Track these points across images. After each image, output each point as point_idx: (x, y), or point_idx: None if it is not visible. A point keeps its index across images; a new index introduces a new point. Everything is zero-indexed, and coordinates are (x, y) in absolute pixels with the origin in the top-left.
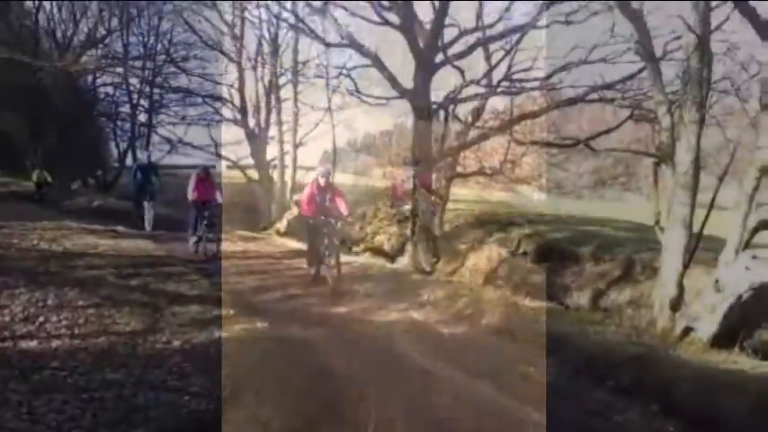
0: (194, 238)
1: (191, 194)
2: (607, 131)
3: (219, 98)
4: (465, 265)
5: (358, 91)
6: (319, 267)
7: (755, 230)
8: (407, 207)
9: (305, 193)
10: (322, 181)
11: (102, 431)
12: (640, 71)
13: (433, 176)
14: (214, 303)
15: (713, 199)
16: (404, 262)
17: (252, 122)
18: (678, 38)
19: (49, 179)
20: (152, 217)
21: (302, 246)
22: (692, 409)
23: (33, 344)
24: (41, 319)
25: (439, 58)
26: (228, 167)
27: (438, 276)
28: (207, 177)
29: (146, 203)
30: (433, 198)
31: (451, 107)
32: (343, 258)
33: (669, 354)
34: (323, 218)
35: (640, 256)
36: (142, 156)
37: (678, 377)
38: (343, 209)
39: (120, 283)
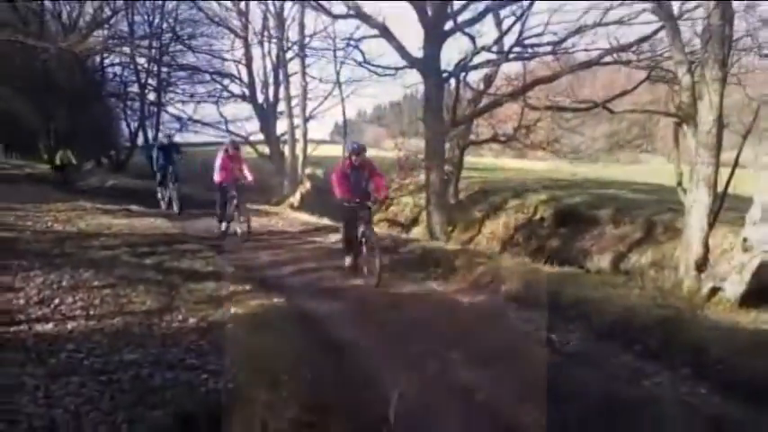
0: (224, 225)
1: (218, 175)
2: (623, 93)
3: (227, 75)
4: (481, 233)
5: (366, 62)
6: (357, 258)
7: None
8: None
9: (335, 173)
10: (355, 159)
11: (120, 413)
12: (656, 32)
13: (447, 145)
14: (229, 280)
15: (737, 158)
16: (419, 231)
17: (261, 98)
18: None
19: (74, 160)
20: (178, 198)
21: (316, 220)
22: (724, 373)
23: (49, 326)
24: (56, 301)
25: (448, 25)
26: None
27: (454, 244)
28: (235, 153)
29: (170, 185)
30: (446, 167)
31: (462, 75)
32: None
33: (697, 315)
34: (357, 201)
35: (661, 218)
36: (163, 134)
37: (708, 339)
38: (382, 189)
39: (134, 262)
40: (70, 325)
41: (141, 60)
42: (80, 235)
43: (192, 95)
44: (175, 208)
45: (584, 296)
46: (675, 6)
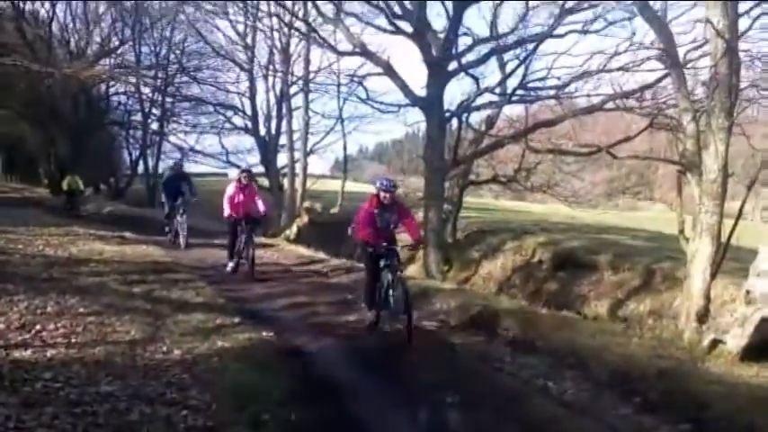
0: (233, 262)
1: (229, 208)
2: (626, 140)
3: (231, 107)
4: (478, 273)
5: (369, 99)
6: (379, 313)
7: None
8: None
9: (360, 212)
10: (385, 196)
11: None
12: (660, 80)
13: (446, 184)
14: (218, 311)
15: (741, 208)
16: (414, 270)
17: (263, 130)
18: (700, 46)
19: (81, 186)
20: (186, 232)
21: (312, 253)
22: (726, 429)
23: (27, 353)
24: (38, 327)
25: (452, 66)
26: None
27: (448, 284)
28: (249, 184)
29: (178, 218)
30: (445, 206)
31: (465, 115)
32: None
33: (698, 368)
34: (385, 245)
35: (660, 266)
36: (174, 163)
37: (709, 394)
38: (415, 232)
39: (123, 290)
40: (50, 352)
41: (146, 90)
42: (70, 260)
43: (194, 126)
44: (182, 242)
45: (583, 343)
46: (681, 54)
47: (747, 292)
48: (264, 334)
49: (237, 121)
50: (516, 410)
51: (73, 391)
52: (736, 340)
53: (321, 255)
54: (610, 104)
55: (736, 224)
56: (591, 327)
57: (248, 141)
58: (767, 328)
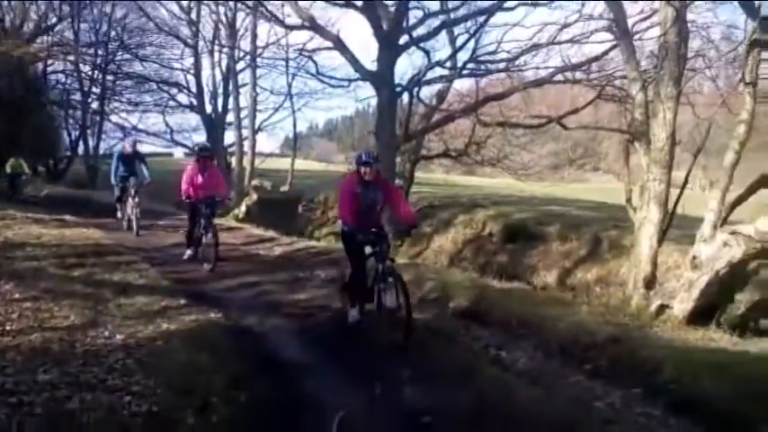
0: (191, 250)
1: (187, 191)
2: (575, 111)
3: (175, 84)
4: (430, 247)
5: (320, 74)
6: (362, 308)
7: (733, 206)
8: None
9: (341, 193)
10: (365, 171)
11: None
12: (607, 52)
13: (398, 160)
14: (163, 293)
15: (687, 176)
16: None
17: (209, 108)
18: (648, 17)
19: (27, 169)
20: (139, 217)
21: (262, 232)
22: (677, 393)
23: None
24: None
25: (403, 40)
26: (186, 154)
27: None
28: (208, 163)
29: (130, 201)
30: (397, 181)
31: (416, 90)
32: (303, 243)
33: (646, 333)
34: (374, 231)
35: (607, 234)
36: (126, 142)
37: (659, 359)
38: (406, 213)
39: (61, 274)
40: None
41: (86, 68)
42: (6, 245)
43: (137, 104)
44: (134, 228)
45: (534, 313)
46: (629, 24)
47: (694, 257)
48: (212, 315)
49: (182, 98)
50: (471, 382)
51: (8, 380)
52: (682, 305)
53: (271, 233)
54: (559, 77)
55: (681, 192)
56: (541, 297)
57: (194, 119)
58: (712, 293)
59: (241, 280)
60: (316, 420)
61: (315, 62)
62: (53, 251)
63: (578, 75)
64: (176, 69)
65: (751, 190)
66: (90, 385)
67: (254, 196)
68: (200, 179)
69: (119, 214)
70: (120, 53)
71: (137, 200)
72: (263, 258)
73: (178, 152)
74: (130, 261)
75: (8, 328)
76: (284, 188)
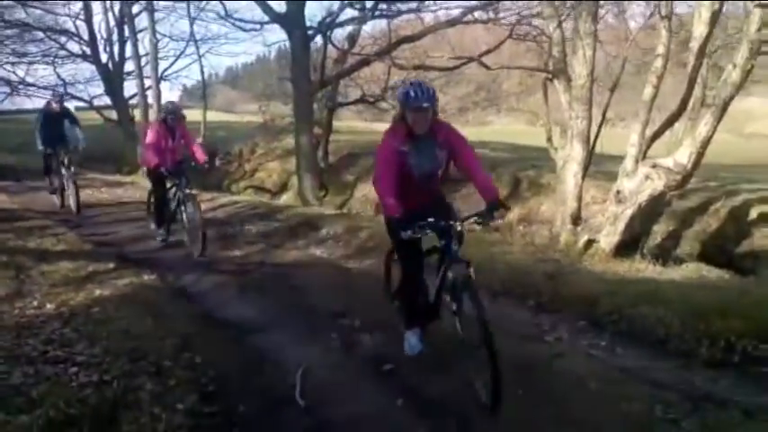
0: (162, 231)
1: (153, 157)
2: (488, 52)
3: (64, 32)
4: (354, 196)
5: (229, 16)
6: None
7: (652, 140)
8: None
9: (380, 161)
10: (416, 118)
11: None
12: None
13: (315, 106)
14: (88, 258)
15: (604, 112)
16: (289, 197)
17: (104, 57)
18: None
19: None
20: (76, 190)
21: None
22: (619, 323)
23: None
24: None
25: None
26: (79, 109)
27: (329, 210)
28: (178, 122)
29: (63, 171)
30: (315, 129)
31: (328, 33)
32: (226, 198)
33: (579, 267)
34: (431, 221)
35: (525, 174)
36: (52, 99)
37: (596, 291)
38: (489, 185)
39: None
40: None
41: None
42: None
43: (23, 55)
44: (72, 204)
45: (471, 254)
46: None
47: (618, 191)
48: (146, 277)
49: (73, 47)
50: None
51: None
52: (608, 238)
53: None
54: (469, 17)
55: (600, 129)
56: (474, 239)
57: (88, 70)
58: (635, 225)
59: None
60: (279, 374)
61: (223, 4)
62: None
63: (490, 15)
64: (63, 15)
65: (667, 124)
66: (29, 358)
67: None
68: (169, 143)
69: (48, 183)
70: None
71: (72, 170)
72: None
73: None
74: (43, 226)
75: None
76: (198, 141)
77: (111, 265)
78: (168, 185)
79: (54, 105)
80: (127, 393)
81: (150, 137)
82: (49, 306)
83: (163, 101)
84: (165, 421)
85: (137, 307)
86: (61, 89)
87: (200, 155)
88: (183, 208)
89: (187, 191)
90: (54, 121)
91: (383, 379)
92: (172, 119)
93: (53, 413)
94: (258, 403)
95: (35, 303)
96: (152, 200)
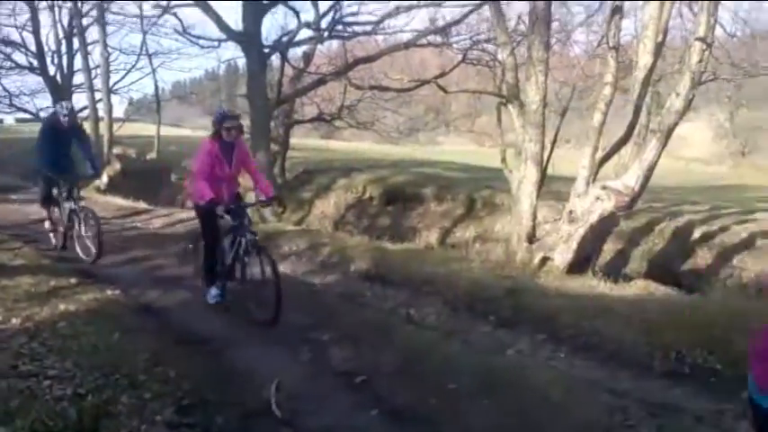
0: (216, 293)
1: (203, 189)
2: (442, 75)
3: (10, 42)
4: (312, 213)
5: (187, 33)
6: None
7: (601, 163)
8: None
9: (200, 162)
10: (228, 135)
11: None
12: (467, 15)
13: (272, 124)
14: (48, 273)
15: (555, 135)
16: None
17: (52, 69)
18: None
19: None
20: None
21: (132, 203)
22: (576, 336)
23: None
24: None
25: None
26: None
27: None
28: (237, 136)
29: (67, 205)
30: (272, 146)
31: (285, 51)
32: (184, 214)
33: (535, 284)
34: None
35: (479, 194)
36: (59, 108)
37: (554, 306)
38: (265, 186)
39: None
40: None
41: None
42: None
43: None
44: (92, 247)
45: (432, 271)
46: None
47: (570, 211)
48: (110, 293)
49: (19, 58)
50: (390, 339)
51: None
52: (562, 256)
53: (143, 205)
54: (423, 41)
55: (551, 152)
56: (435, 256)
57: (33, 82)
58: (587, 244)
59: (127, 255)
60: (252, 388)
61: (180, 20)
62: None
63: (441, 39)
64: (8, 26)
65: (615, 148)
66: (0, 372)
67: (117, 165)
68: (225, 168)
69: (47, 225)
70: None
71: (82, 203)
72: (144, 231)
73: (8, 119)
74: None
75: None
76: (152, 155)
77: (73, 281)
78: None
79: (63, 118)
80: (101, 406)
81: (201, 160)
82: (13, 320)
83: (115, 114)
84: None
85: (103, 322)
86: (6, 101)
87: (267, 186)
88: (246, 260)
89: (251, 236)
90: (62, 138)
91: (356, 390)
92: (230, 131)
93: (36, 425)
94: (235, 414)
95: None
96: (199, 247)
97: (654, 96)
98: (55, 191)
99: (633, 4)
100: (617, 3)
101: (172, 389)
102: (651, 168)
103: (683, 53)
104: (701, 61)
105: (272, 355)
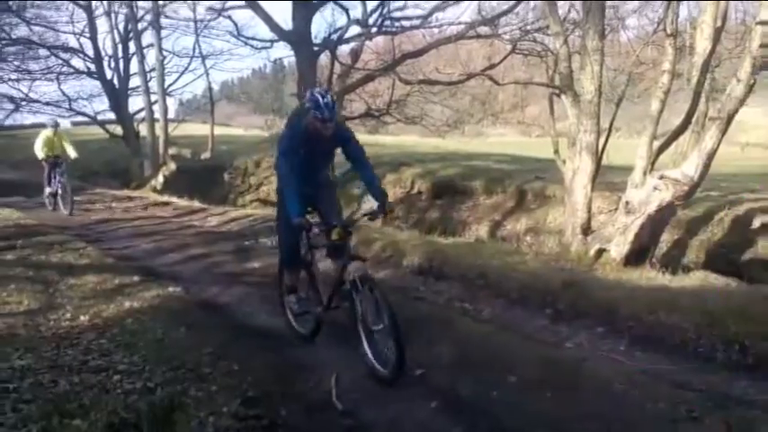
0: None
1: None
2: (491, 66)
3: (69, 48)
4: (362, 208)
5: (240, 35)
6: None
7: (658, 152)
8: None
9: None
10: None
11: (32, 426)
12: (515, 5)
13: None
14: (112, 271)
15: (611, 125)
16: None
17: (109, 73)
18: None
19: None
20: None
21: (187, 203)
22: (636, 328)
23: None
24: None
25: None
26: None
27: None
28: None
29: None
30: None
31: (335, 49)
32: (237, 212)
33: (592, 276)
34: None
35: (530, 186)
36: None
37: (613, 298)
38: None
39: None
40: None
41: None
42: None
43: (29, 72)
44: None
45: (487, 265)
46: None
47: (627, 202)
48: (171, 290)
49: (78, 63)
50: (448, 333)
51: None
52: (619, 248)
53: (197, 204)
54: (472, 33)
55: (606, 141)
56: (488, 249)
57: (91, 86)
58: (644, 235)
59: (186, 253)
60: (312, 381)
61: (234, 22)
62: None
63: (488, 30)
64: (67, 33)
65: (673, 136)
66: (72, 368)
67: (172, 166)
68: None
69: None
70: (3, 16)
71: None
72: (201, 230)
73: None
74: (62, 241)
75: None
76: (206, 155)
77: (136, 279)
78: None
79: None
80: (172, 398)
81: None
82: (82, 318)
83: (170, 115)
84: (214, 424)
85: (168, 318)
86: (65, 105)
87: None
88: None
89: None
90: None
91: (415, 382)
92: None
93: (111, 418)
94: (298, 406)
95: (68, 315)
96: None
97: (711, 82)
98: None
99: None
100: None
101: (236, 382)
102: (711, 157)
103: (744, 36)
104: (761, 46)
105: (331, 349)
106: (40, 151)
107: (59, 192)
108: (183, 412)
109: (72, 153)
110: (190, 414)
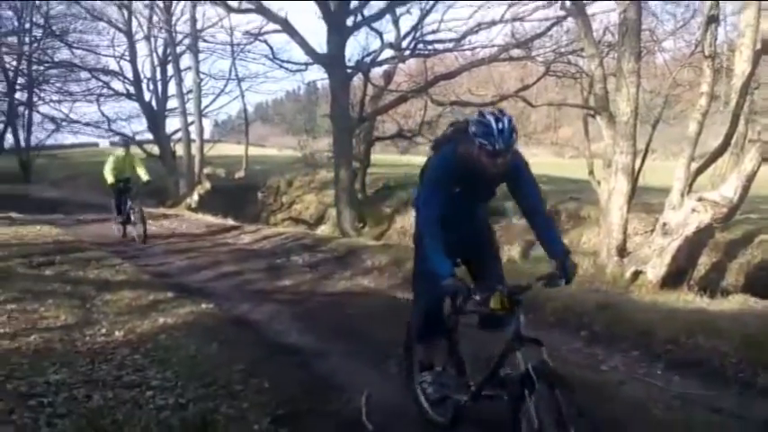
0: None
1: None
2: (525, 88)
3: (109, 71)
4: (392, 228)
5: (276, 58)
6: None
7: (696, 174)
8: None
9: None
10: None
11: None
12: (550, 27)
13: (353, 141)
14: (147, 287)
15: (647, 147)
16: (326, 229)
17: (148, 95)
18: None
19: None
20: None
21: (221, 221)
22: (673, 352)
23: None
24: None
25: (350, 21)
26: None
27: (373, 241)
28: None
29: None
30: (354, 163)
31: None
32: (269, 230)
33: (628, 298)
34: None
35: (564, 207)
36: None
37: (649, 321)
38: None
39: (33, 273)
40: None
41: (8, 58)
42: None
43: (70, 94)
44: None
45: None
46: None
47: (664, 224)
48: (204, 306)
49: (117, 86)
50: (487, 352)
51: (21, 383)
52: (655, 270)
53: (231, 222)
54: (505, 55)
55: (643, 162)
56: (520, 269)
57: (129, 107)
58: (681, 257)
59: (219, 270)
60: (342, 400)
61: (270, 46)
62: (14, 251)
63: (521, 52)
64: (108, 56)
65: (712, 158)
66: (106, 383)
67: (207, 185)
68: None
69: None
70: (48, 41)
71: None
72: (234, 247)
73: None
74: (99, 257)
75: (2, 331)
76: (239, 174)
77: (170, 295)
78: None
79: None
80: (204, 415)
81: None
82: (117, 333)
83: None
84: None
85: (201, 334)
86: (105, 125)
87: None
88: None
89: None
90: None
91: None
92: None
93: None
94: (328, 425)
95: (103, 330)
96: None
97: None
98: None
99: (724, 9)
100: (713, 12)
101: (267, 399)
102: (751, 179)
103: None
104: None
105: (360, 368)
106: (109, 174)
107: (132, 218)
108: (214, 429)
109: (144, 176)
110: (221, 431)
